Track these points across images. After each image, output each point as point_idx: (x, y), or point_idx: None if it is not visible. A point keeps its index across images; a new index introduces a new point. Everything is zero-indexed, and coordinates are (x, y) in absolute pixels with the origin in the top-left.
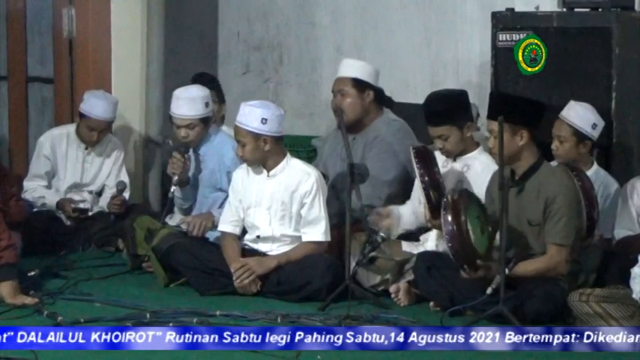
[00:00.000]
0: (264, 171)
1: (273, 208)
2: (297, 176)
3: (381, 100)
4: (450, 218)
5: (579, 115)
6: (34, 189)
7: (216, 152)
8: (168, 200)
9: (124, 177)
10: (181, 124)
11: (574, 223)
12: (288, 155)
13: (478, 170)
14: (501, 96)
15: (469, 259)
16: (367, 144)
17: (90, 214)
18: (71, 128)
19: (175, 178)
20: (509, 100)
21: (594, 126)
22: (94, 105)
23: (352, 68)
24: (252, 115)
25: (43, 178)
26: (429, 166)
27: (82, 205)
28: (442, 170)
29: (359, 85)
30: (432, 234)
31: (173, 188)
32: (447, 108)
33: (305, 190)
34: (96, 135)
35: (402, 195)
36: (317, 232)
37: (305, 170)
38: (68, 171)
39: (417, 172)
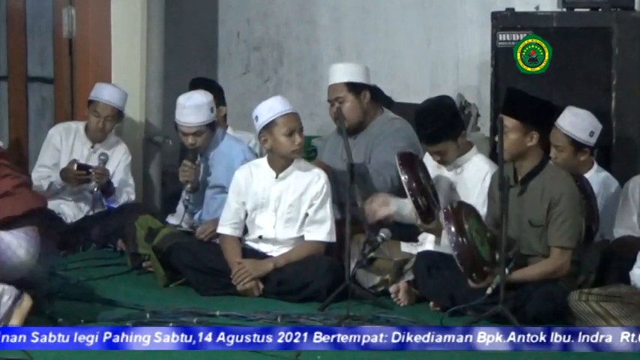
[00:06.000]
0: (272, 172)
1: (279, 211)
2: (306, 178)
3: (378, 97)
4: (453, 229)
5: (575, 123)
6: (40, 176)
7: (225, 155)
8: (183, 206)
9: (130, 180)
10: (188, 131)
11: (577, 225)
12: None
13: (470, 173)
14: (519, 94)
15: (477, 267)
16: (369, 143)
17: (91, 171)
18: (81, 125)
19: (188, 185)
20: (527, 99)
21: (591, 134)
22: (101, 89)
23: (342, 73)
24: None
25: (51, 169)
26: (415, 172)
27: (82, 161)
28: (434, 174)
29: (354, 87)
30: (430, 235)
31: (187, 195)
32: (440, 128)
33: (315, 192)
34: (102, 122)
35: None
36: (322, 232)
37: (314, 172)
38: None
39: (402, 178)
